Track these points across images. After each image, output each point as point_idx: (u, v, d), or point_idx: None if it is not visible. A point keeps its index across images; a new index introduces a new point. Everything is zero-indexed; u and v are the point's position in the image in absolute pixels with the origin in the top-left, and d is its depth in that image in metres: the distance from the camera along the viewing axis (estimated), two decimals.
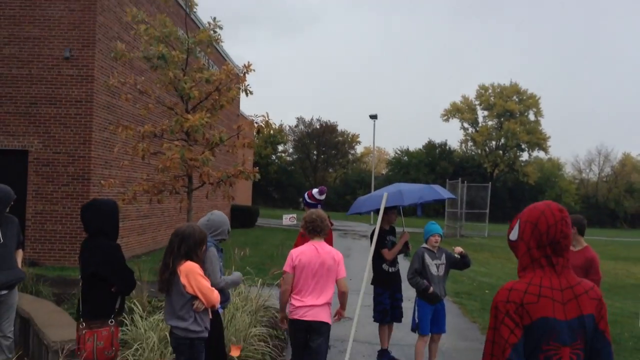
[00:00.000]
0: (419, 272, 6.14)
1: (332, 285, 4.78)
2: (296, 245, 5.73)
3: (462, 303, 10.84)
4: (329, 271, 4.73)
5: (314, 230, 4.87)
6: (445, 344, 7.63)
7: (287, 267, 4.79)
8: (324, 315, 4.69)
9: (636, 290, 13.61)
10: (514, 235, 2.47)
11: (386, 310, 6.70)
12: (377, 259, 6.68)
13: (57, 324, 5.67)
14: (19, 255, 5.57)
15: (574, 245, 5.66)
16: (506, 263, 18.83)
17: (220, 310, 4.37)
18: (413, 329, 6.28)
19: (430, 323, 6.18)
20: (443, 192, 6.63)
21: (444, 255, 6.26)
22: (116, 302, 4.24)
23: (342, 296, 4.84)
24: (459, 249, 6.31)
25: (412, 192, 6.46)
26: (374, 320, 6.84)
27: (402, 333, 7.87)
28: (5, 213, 5.33)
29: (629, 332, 8.77)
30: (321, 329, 4.67)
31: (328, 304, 4.75)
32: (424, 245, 6.30)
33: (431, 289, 6.05)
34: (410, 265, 6.23)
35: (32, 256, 12.57)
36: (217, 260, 4.55)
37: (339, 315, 4.78)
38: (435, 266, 6.18)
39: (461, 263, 6.34)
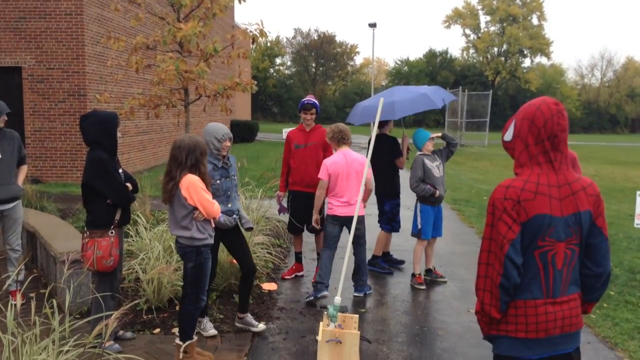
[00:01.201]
0: (422, 180, 6.25)
1: (360, 184, 5.39)
2: (284, 155, 6.39)
3: (460, 209, 11.03)
4: (357, 174, 5.58)
5: (342, 139, 5.66)
6: (444, 248, 7.85)
7: (322, 175, 5.60)
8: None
9: (633, 194, 13.79)
10: (508, 136, 2.45)
11: (393, 217, 6.82)
12: (392, 169, 6.72)
13: (63, 237, 5.79)
14: (22, 171, 5.54)
15: None
16: (504, 171, 19.00)
17: (222, 219, 4.42)
18: (414, 234, 6.41)
19: (434, 227, 6.39)
20: (437, 100, 6.45)
21: (436, 155, 6.40)
22: (115, 214, 4.31)
23: (368, 193, 5.73)
24: (436, 134, 6.47)
25: (404, 103, 6.31)
26: (386, 232, 6.89)
27: (401, 239, 8.07)
28: (4, 128, 5.29)
29: (623, 233, 8.99)
30: (359, 218, 5.62)
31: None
32: (419, 152, 6.35)
33: (437, 192, 6.21)
34: (412, 174, 6.27)
35: (34, 174, 12.69)
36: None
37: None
38: (436, 168, 6.31)
39: (447, 151, 6.49)
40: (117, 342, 4.49)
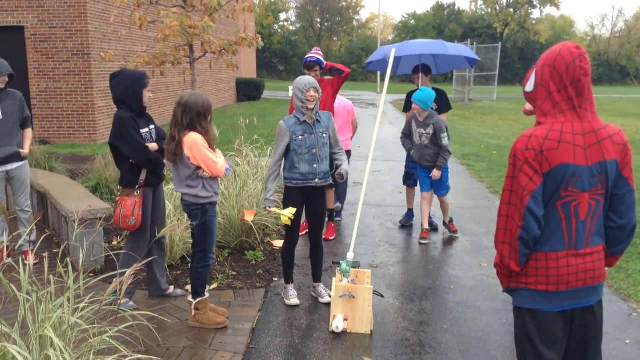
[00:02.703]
0: (407, 135, 6.34)
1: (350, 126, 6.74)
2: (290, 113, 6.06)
3: (470, 164, 10.95)
4: (348, 115, 6.69)
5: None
6: (454, 203, 7.81)
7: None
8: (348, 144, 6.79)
9: None
10: (529, 87, 2.36)
11: (409, 173, 6.79)
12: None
13: (74, 197, 5.78)
14: (27, 135, 5.41)
15: None
16: (514, 125, 18.80)
17: (228, 173, 4.35)
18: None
19: (433, 185, 6.29)
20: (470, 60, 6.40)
21: (431, 127, 6.03)
22: (139, 174, 4.27)
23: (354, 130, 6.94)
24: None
25: (415, 45, 6.22)
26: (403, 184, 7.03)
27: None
28: (6, 89, 5.20)
29: (635, 185, 8.90)
30: (349, 152, 6.66)
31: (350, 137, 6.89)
32: (414, 110, 6.16)
33: (412, 152, 6.29)
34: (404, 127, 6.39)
35: (42, 135, 12.66)
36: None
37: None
38: (418, 134, 6.15)
39: (438, 147, 6.18)
40: (168, 298, 4.58)
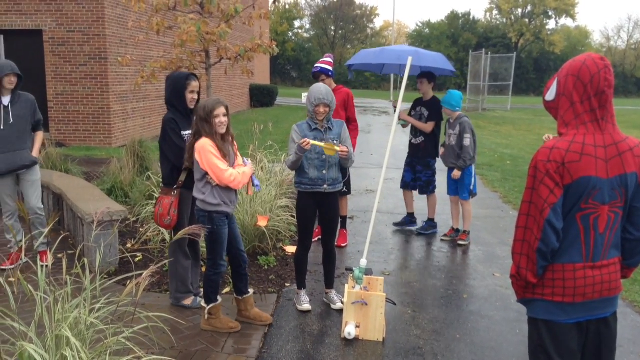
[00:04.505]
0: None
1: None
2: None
3: (484, 174, 10.92)
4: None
5: None
6: None
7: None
8: None
9: None
10: (550, 95, 2.34)
11: (403, 177, 6.94)
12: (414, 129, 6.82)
13: (90, 198, 5.83)
14: (38, 138, 5.38)
15: None
16: (528, 135, 18.71)
17: (258, 189, 4.34)
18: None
19: (454, 189, 6.58)
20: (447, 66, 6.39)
21: (458, 127, 6.32)
22: (179, 175, 4.30)
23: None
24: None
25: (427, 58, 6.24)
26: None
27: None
28: (19, 91, 5.24)
29: None
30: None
31: None
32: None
33: (440, 152, 6.66)
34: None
35: (57, 137, 12.80)
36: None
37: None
38: (448, 135, 6.50)
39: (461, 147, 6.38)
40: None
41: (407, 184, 6.90)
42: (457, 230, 6.72)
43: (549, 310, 2.29)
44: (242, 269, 4.24)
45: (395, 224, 7.17)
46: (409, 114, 6.78)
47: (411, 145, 6.82)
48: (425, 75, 6.49)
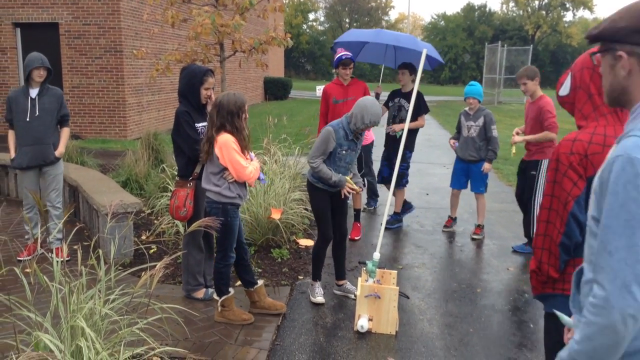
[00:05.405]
0: (459, 131, 6.52)
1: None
2: (322, 110, 6.37)
3: (498, 168, 10.83)
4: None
5: None
6: None
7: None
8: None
9: None
10: (564, 90, 2.30)
11: (380, 171, 6.90)
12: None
13: (105, 190, 5.87)
14: (64, 134, 5.40)
15: (531, 97, 5.66)
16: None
17: (264, 182, 4.37)
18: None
19: (471, 182, 6.49)
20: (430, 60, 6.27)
21: (482, 119, 6.23)
22: (194, 167, 4.33)
23: None
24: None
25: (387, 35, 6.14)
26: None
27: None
28: (49, 85, 5.29)
29: None
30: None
31: None
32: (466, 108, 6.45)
33: (454, 146, 6.57)
34: None
35: (73, 130, 12.91)
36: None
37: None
38: (467, 127, 6.32)
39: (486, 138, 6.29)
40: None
41: (385, 179, 6.76)
42: (455, 219, 6.77)
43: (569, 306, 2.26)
44: (245, 260, 4.26)
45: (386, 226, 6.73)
46: (386, 105, 6.65)
47: (388, 137, 6.64)
48: (407, 66, 6.38)
